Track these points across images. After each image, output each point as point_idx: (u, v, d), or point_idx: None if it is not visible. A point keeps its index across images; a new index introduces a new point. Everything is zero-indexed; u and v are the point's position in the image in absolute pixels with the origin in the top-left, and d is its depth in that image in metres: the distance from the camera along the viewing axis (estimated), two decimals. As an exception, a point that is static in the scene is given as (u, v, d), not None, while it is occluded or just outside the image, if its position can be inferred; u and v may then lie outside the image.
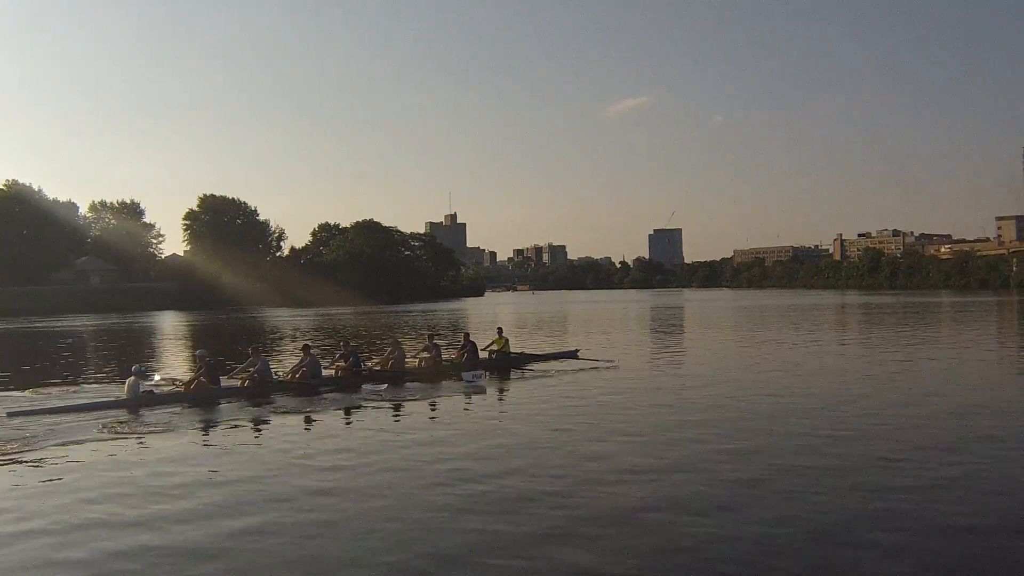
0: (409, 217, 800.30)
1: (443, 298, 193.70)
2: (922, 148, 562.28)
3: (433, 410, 23.67)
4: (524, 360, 34.40)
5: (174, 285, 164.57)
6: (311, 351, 29.29)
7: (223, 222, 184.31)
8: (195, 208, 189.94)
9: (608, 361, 34.75)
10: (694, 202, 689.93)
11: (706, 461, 15.99)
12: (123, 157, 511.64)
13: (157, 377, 28.49)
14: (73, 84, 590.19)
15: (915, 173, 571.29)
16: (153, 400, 24.37)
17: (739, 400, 23.90)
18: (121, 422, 21.50)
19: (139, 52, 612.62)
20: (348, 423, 21.51)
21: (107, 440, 19.17)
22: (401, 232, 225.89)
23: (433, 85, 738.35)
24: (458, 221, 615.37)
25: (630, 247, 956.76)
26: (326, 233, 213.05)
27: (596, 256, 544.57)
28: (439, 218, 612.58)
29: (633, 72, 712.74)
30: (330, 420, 21.90)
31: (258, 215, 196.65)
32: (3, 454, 17.64)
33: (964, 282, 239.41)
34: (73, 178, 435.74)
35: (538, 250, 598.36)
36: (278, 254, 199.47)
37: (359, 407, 23.85)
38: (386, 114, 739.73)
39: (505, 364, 33.12)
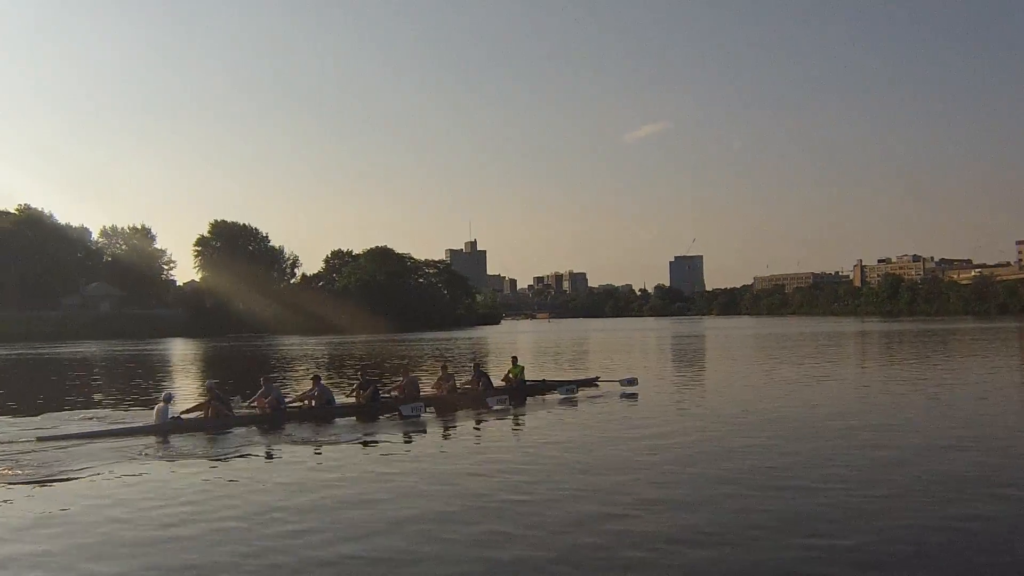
0: (429, 244, 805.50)
1: (459, 326, 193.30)
2: (944, 172, 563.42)
3: (445, 438, 24.30)
4: (543, 387, 34.49)
5: (184, 312, 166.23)
6: (320, 381, 29.34)
7: (234, 248, 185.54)
8: (206, 234, 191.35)
9: (628, 382, 35.46)
10: (715, 228, 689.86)
11: (715, 491, 16.24)
12: (134, 176, 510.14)
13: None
14: (87, 98, 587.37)
15: (937, 198, 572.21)
16: (182, 426, 24.94)
17: (748, 431, 23.99)
18: (152, 448, 22.14)
19: (154, 65, 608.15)
20: (366, 452, 21.84)
21: (139, 464, 19.82)
22: (414, 259, 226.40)
23: (454, 111, 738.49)
24: (478, 248, 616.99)
25: (651, 274, 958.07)
26: (338, 260, 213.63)
27: (617, 283, 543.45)
28: (459, 245, 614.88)
29: (652, 97, 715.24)
30: (343, 449, 22.25)
31: (269, 241, 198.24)
32: (37, 479, 18.11)
33: (984, 308, 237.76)
34: (84, 195, 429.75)
35: (558, 277, 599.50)
36: (292, 281, 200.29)
37: (375, 434, 24.41)
38: (408, 142, 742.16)
39: (523, 392, 33.18)
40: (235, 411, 27.10)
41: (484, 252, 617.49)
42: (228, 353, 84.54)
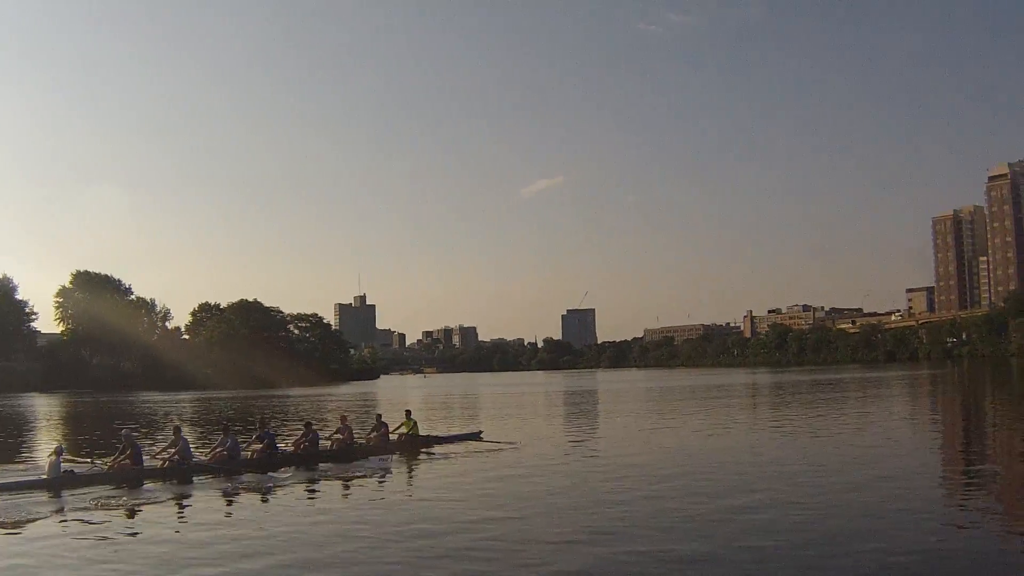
0: (319, 299, 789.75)
1: (332, 382, 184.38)
2: (834, 221, 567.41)
3: (346, 490, 25.51)
4: (431, 441, 35.86)
5: (39, 366, 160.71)
6: (231, 431, 30.50)
7: (97, 300, 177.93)
8: (67, 284, 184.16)
9: (510, 443, 36.33)
10: (608, 282, 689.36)
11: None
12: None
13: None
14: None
15: (827, 248, 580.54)
16: (75, 480, 25.09)
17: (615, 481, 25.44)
18: (42, 502, 22.42)
19: (16, 110, 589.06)
20: (265, 502, 22.88)
21: (30, 521, 19.93)
22: (282, 312, 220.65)
23: (345, 162, 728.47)
24: (367, 303, 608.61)
25: (544, 327, 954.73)
26: (206, 313, 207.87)
27: (509, 337, 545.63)
28: (348, 299, 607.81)
29: (547, 152, 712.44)
30: (249, 501, 23.16)
31: (132, 293, 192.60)
32: None
33: (872, 356, 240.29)
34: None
35: (447, 332, 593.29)
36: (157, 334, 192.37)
37: (275, 488, 25.10)
38: (296, 193, 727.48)
39: (413, 446, 34.39)
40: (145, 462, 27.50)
41: (373, 307, 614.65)
42: (77, 410, 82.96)
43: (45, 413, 76.10)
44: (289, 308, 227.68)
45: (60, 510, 21.41)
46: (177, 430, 29.31)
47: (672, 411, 61.36)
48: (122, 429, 31.36)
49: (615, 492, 23.01)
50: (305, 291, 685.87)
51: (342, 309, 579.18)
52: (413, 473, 28.66)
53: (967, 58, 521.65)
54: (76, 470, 26.06)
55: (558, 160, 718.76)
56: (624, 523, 18.74)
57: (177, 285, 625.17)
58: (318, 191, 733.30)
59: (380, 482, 26.68)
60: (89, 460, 28.07)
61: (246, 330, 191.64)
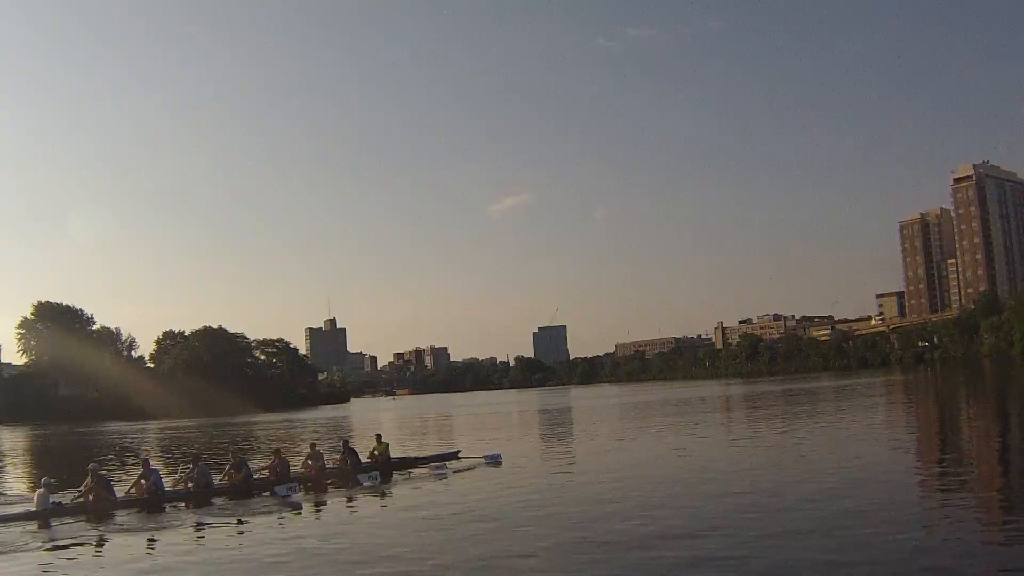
0: (289, 324, 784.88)
1: (300, 407, 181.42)
2: (801, 230, 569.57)
3: (318, 517, 25.54)
4: (407, 463, 35.79)
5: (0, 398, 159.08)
6: (200, 462, 30.60)
7: (59, 331, 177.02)
8: (29, 316, 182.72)
9: (491, 458, 36.67)
10: (578, 298, 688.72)
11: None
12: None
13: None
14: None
15: (796, 256, 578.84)
16: (63, 511, 25.41)
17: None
18: (33, 533, 22.88)
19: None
20: (242, 532, 22.68)
21: (20, 551, 20.41)
22: (247, 338, 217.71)
23: (310, 184, 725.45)
24: (338, 326, 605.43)
25: (515, 346, 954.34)
26: (170, 341, 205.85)
27: (481, 356, 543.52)
28: (318, 323, 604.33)
29: (513, 169, 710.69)
30: (224, 529, 23.04)
31: (94, 323, 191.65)
32: None
33: (844, 363, 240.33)
34: None
35: (419, 353, 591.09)
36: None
37: (254, 515, 25.05)
38: (262, 219, 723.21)
39: (389, 468, 34.31)
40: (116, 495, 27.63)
41: (344, 330, 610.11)
42: (44, 443, 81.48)
43: (12, 446, 75.36)
44: (259, 334, 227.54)
45: (49, 540, 21.92)
46: (146, 462, 29.52)
47: (641, 427, 60.97)
48: (88, 463, 30.64)
49: (595, 509, 23.20)
50: (274, 316, 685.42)
51: (312, 333, 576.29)
52: (388, 496, 28.70)
53: (928, 61, 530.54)
54: (63, 502, 26.19)
55: (525, 177, 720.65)
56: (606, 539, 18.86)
57: (143, 316, 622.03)
58: (284, 217, 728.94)
59: (349, 506, 27.11)
60: (76, 492, 27.81)
61: (209, 357, 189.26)
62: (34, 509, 25.00)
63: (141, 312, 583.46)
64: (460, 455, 37.76)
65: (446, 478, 32.08)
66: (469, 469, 34.31)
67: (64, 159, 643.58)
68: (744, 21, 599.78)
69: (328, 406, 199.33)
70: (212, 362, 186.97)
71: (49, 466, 50.01)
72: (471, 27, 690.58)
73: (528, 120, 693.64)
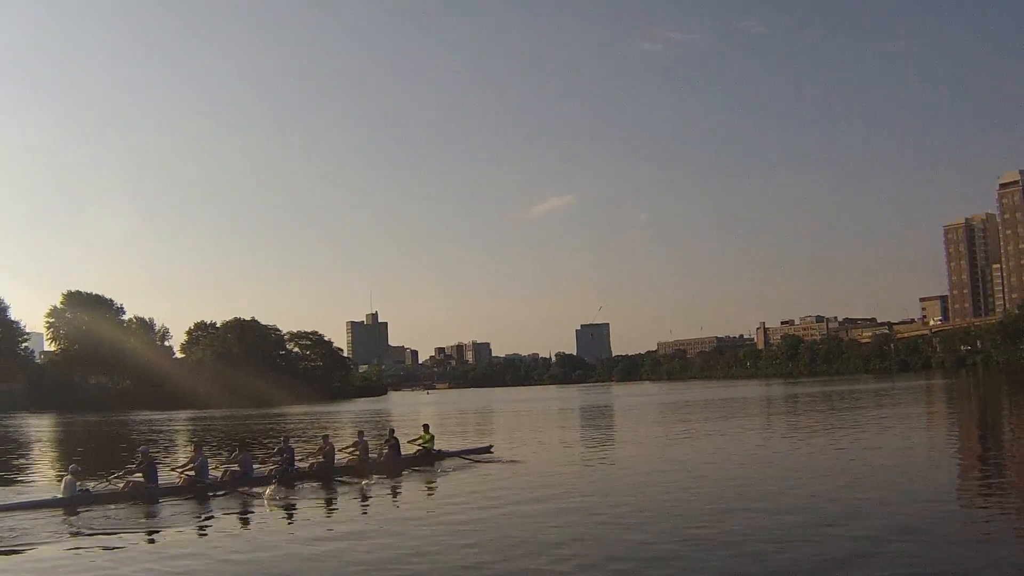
0: (330, 317, 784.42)
1: (332, 399, 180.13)
2: (846, 232, 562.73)
3: (364, 503, 25.59)
4: (444, 456, 35.95)
5: (25, 386, 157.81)
6: (248, 448, 30.66)
7: (89, 320, 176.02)
8: (59, 304, 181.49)
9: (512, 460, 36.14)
10: (621, 296, 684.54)
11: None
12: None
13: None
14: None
15: (840, 258, 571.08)
16: (90, 499, 25.29)
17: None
18: (58, 522, 22.56)
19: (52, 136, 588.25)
20: (289, 520, 22.87)
21: (47, 540, 20.08)
22: (279, 331, 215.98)
23: (355, 181, 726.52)
24: (379, 320, 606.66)
25: (558, 343, 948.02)
26: (201, 332, 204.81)
27: (523, 352, 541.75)
28: (360, 317, 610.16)
29: (559, 172, 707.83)
30: (264, 517, 23.13)
31: (124, 312, 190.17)
32: None
33: (884, 365, 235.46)
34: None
35: (460, 348, 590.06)
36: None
37: (294, 503, 25.29)
38: (308, 213, 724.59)
39: (431, 459, 34.91)
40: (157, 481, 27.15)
41: (385, 324, 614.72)
42: (72, 430, 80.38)
43: (41, 435, 74.23)
44: (301, 327, 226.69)
45: (77, 528, 21.68)
46: (198, 447, 29.63)
47: (684, 425, 58.55)
48: (140, 446, 31.62)
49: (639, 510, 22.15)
50: (315, 310, 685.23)
51: (354, 327, 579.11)
52: (431, 487, 28.99)
53: (977, 65, 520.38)
54: (91, 488, 26.20)
55: (568, 179, 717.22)
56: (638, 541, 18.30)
57: (177, 309, 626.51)
58: (326, 212, 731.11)
59: (395, 497, 27.36)
60: (105, 479, 27.99)
61: (240, 348, 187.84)
62: (61, 496, 25.02)
63: (175, 306, 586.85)
64: (492, 450, 38.15)
65: (482, 470, 32.17)
66: (501, 465, 34.06)
67: (100, 153, 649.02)
68: (787, 23, 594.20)
69: (363, 399, 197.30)
70: (243, 353, 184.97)
71: (78, 454, 48.50)
72: (517, 28, 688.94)
73: (572, 122, 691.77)
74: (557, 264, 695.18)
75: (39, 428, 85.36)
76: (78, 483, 25.48)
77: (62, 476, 26.52)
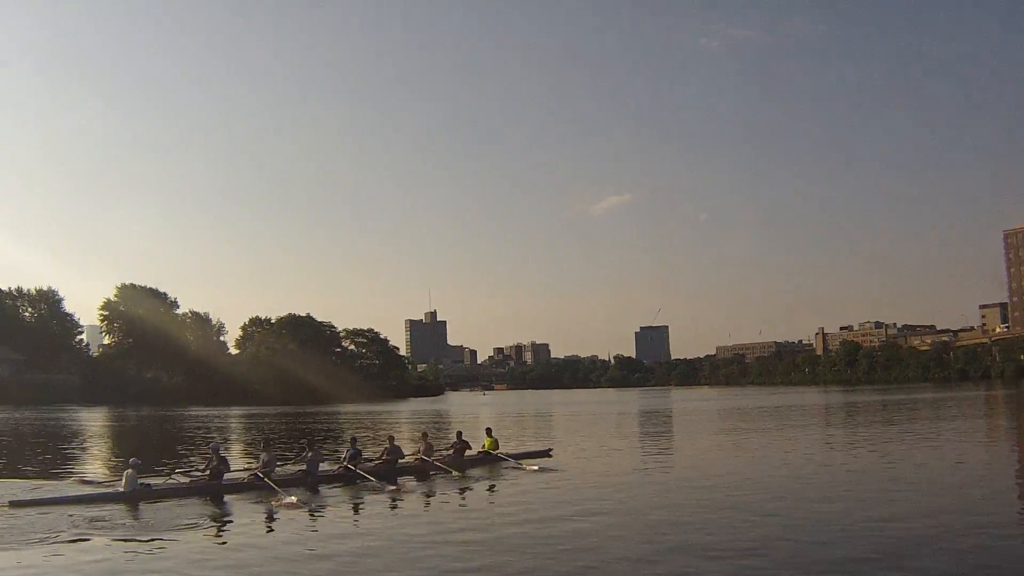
0: (389, 315, 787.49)
1: (388, 398, 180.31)
2: (906, 236, 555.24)
3: (427, 505, 25.51)
4: (504, 459, 35.94)
5: (78, 379, 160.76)
6: (315, 445, 31.92)
7: (144, 313, 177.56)
8: (112, 298, 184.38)
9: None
10: (680, 298, 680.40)
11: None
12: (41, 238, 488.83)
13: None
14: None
15: (899, 263, 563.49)
16: (151, 494, 25.52)
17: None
18: (120, 516, 22.67)
19: (67, 125, 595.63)
20: (351, 515, 23.57)
21: (107, 533, 20.18)
22: (334, 328, 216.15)
23: (415, 181, 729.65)
24: (438, 319, 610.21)
25: (617, 344, 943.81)
26: (255, 327, 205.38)
27: (582, 354, 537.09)
28: (419, 316, 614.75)
29: (617, 170, 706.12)
30: (332, 514, 23.50)
31: (178, 306, 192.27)
32: (10, 546, 18.45)
33: (944, 374, 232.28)
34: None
35: (519, 348, 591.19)
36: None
37: (359, 501, 25.71)
38: (366, 210, 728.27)
39: (488, 462, 35.28)
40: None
41: (444, 323, 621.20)
42: (127, 424, 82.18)
43: (96, 429, 74.56)
44: (358, 325, 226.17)
45: (137, 523, 21.94)
46: (267, 443, 30.17)
47: (744, 435, 56.56)
48: (211, 441, 32.38)
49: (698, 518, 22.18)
50: (373, 308, 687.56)
51: (413, 325, 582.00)
52: (493, 489, 29.06)
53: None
54: (152, 483, 26.42)
55: (627, 177, 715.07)
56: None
57: (231, 304, 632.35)
58: (386, 210, 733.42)
59: (461, 496, 27.18)
60: (166, 473, 28.51)
61: (295, 344, 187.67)
62: (123, 490, 25.25)
63: (232, 302, 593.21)
64: (551, 453, 38.73)
65: (540, 477, 31.64)
66: (556, 467, 34.20)
67: (160, 146, 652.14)
68: (848, 22, 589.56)
69: (419, 399, 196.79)
70: (298, 350, 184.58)
71: (135, 448, 48.79)
72: (576, 26, 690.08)
73: (631, 119, 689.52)
74: (615, 264, 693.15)
75: (92, 421, 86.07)
76: (139, 477, 25.74)
77: (122, 469, 26.59)
